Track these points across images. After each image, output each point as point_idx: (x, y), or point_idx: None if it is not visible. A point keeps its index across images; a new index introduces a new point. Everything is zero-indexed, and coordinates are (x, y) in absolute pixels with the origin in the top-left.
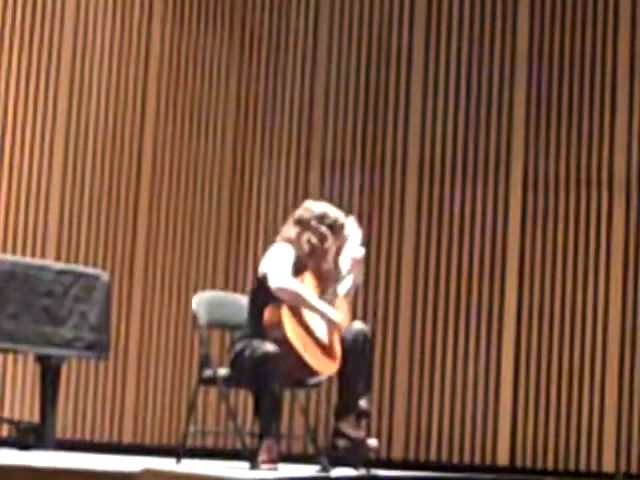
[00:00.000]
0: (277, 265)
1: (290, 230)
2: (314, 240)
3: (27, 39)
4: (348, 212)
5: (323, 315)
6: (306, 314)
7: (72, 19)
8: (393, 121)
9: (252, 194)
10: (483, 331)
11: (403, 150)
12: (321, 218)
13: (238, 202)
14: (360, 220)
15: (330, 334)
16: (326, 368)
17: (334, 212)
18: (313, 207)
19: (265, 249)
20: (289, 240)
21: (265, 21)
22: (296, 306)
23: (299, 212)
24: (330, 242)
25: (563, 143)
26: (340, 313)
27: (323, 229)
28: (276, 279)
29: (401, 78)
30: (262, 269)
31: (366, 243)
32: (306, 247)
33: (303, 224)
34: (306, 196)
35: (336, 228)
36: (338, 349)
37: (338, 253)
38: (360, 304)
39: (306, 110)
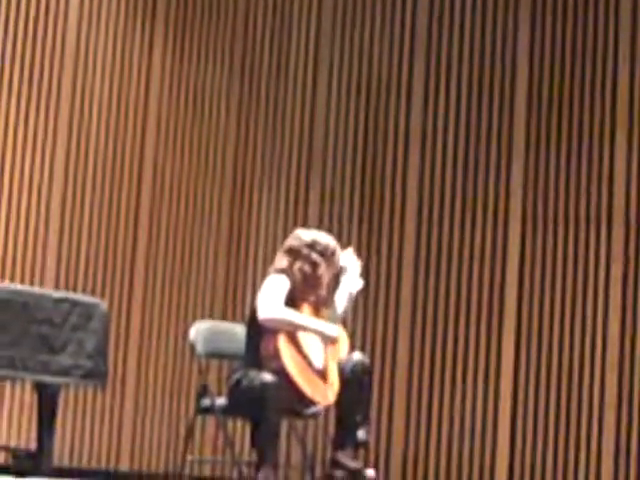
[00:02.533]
0: (265, 297)
1: (282, 260)
2: (306, 268)
3: (27, 69)
4: (347, 245)
5: (318, 332)
6: (303, 342)
7: (72, 52)
8: (392, 162)
9: (251, 225)
10: (481, 362)
11: (402, 190)
12: (311, 245)
13: (237, 232)
14: (359, 254)
15: (325, 353)
16: (324, 398)
17: (324, 238)
18: (303, 235)
19: (263, 280)
20: (282, 270)
21: (265, 53)
22: (292, 334)
23: (289, 241)
24: (322, 269)
25: (562, 180)
26: (336, 325)
27: (314, 256)
28: (263, 311)
29: (400, 118)
30: (256, 302)
31: (365, 276)
32: (299, 276)
33: (294, 253)
34: (305, 228)
35: (327, 254)
36: (336, 378)
37: (336, 281)
38: (359, 335)
39: (305, 144)
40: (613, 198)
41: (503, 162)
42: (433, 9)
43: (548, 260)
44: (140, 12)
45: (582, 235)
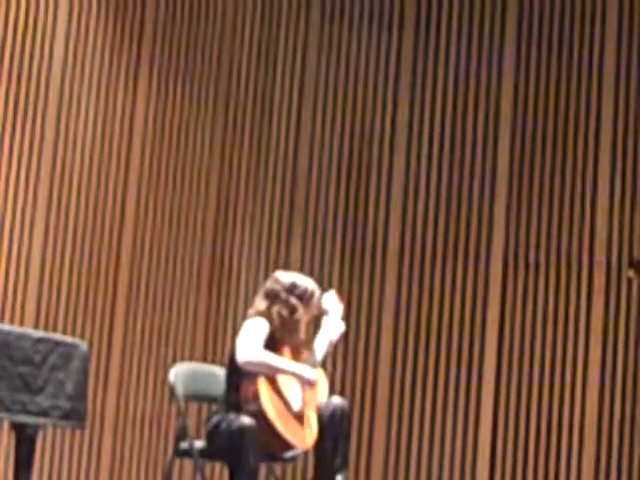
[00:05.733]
0: (244, 340)
1: (261, 303)
2: (284, 312)
3: (10, 116)
4: (329, 287)
5: (296, 375)
6: (283, 386)
7: (56, 100)
8: (374, 204)
9: (232, 267)
10: (461, 407)
11: (384, 233)
12: (290, 289)
13: (219, 274)
14: (340, 296)
15: (304, 397)
16: (303, 442)
17: (303, 281)
18: (282, 278)
19: (243, 323)
20: (261, 313)
21: (250, 93)
22: (272, 377)
23: (268, 284)
24: (301, 313)
25: (544, 224)
26: (314, 369)
27: (293, 300)
28: (242, 354)
29: (383, 160)
30: (235, 344)
31: (345, 317)
32: (277, 319)
33: (272, 296)
34: (287, 270)
35: (306, 297)
36: (315, 422)
37: (317, 323)
38: (338, 380)
39: (288, 186)
40: (594, 241)
41: (485, 205)
42: (417, 57)
43: (529, 303)
44: (124, 58)
45: (563, 277)
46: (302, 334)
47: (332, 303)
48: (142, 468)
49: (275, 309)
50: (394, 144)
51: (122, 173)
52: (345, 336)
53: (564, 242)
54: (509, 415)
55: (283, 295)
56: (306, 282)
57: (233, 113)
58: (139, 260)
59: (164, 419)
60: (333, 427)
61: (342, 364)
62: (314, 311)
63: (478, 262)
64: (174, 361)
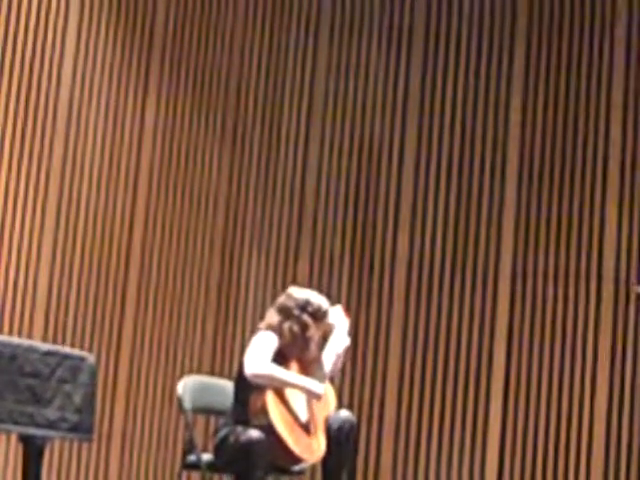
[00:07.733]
0: (253, 353)
1: (273, 317)
2: (296, 329)
3: (19, 129)
4: (336, 303)
5: (304, 389)
6: (291, 400)
7: (65, 113)
8: (383, 222)
9: (240, 282)
10: (469, 422)
11: (392, 246)
12: (303, 306)
13: (227, 289)
14: (347, 313)
15: (312, 410)
16: (311, 455)
17: (317, 299)
18: (296, 294)
19: (252, 336)
20: (272, 327)
21: (258, 114)
22: (280, 390)
23: (282, 299)
24: (313, 330)
25: (552, 239)
26: (322, 383)
27: (305, 318)
28: (250, 367)
29: (391, 179)
30: (244, 358)
31: (353, 335)
32: (288, 335)
33: (285, 312)
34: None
35: (319, 316)
36: (323, 435)
37: (325, 339)
38: (346, 393)
39: (296, 203)
40: (603, 257)
41: (494, 221)
42: (426, 75)
43: (537, 318)
44: (133, 74)
45: (571, 293)
46: (312, 351)
47: (338, 318)
48: None
49: (287, 325)
50: (402, 162)
51: (130, 189)
52: (354, 352)
53: (573, 256)
54: (517, 429)
55: (296, 312)
56: (319, 300)
57: (241, 136)
58: (147, 273)
59: (172, 432)
60: (341, 440)
61: (350, 379)
62: (325, 329)
63: (486, 277)
64: (182, 374)
